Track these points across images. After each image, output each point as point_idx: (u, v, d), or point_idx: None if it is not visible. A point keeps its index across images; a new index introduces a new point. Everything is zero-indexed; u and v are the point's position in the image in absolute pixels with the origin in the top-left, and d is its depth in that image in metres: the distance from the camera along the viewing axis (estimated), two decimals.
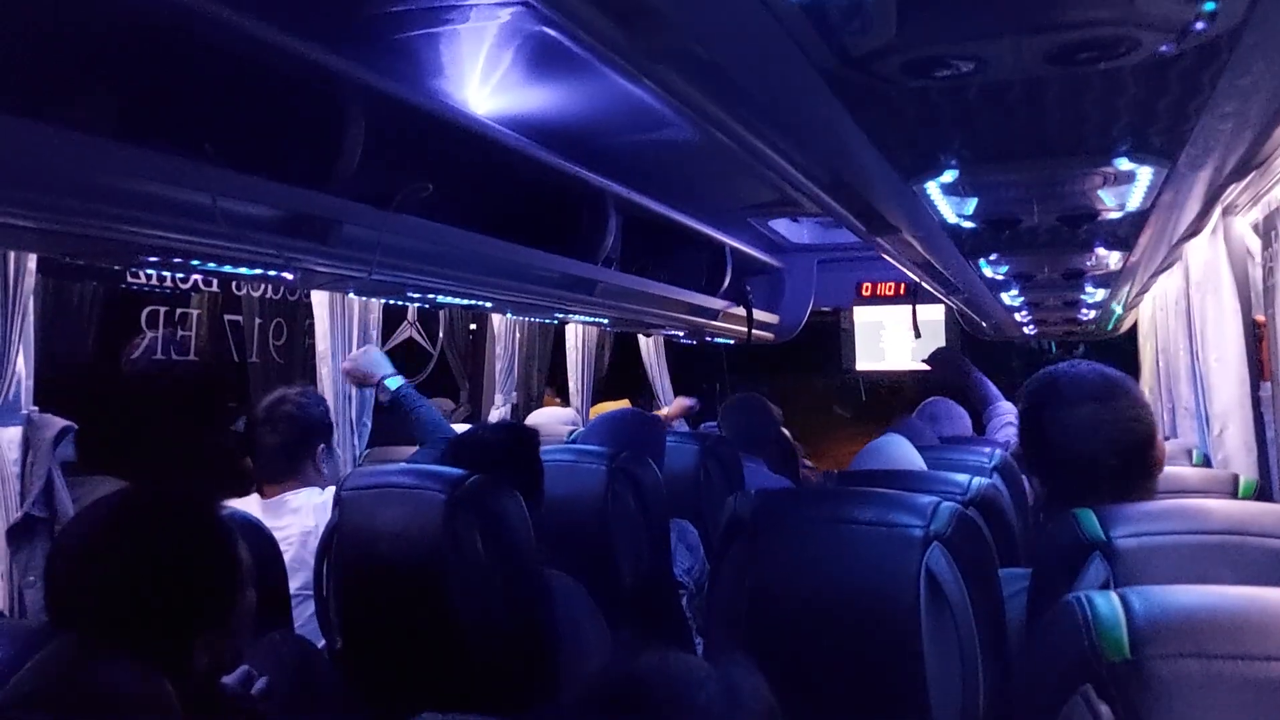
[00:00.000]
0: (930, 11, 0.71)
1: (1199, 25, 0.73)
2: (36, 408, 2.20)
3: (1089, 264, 2.21)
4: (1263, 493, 2.47)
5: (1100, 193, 1.38)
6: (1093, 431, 1.51)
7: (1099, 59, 0.79)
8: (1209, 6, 0.70)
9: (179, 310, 3.31)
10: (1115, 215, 1.57)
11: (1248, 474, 2.54)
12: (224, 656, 1.44)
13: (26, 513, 2.15)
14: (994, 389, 4.69)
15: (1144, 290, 3.64)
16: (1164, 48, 0.77)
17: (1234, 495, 2.16)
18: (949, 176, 1.23)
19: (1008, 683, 1.57)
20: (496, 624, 1.99)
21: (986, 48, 0.77)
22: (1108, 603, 0.86)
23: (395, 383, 2.89)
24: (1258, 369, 2.77)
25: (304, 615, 2.23)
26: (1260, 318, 2.72)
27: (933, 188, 1.30)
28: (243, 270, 2.13)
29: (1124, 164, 1.20)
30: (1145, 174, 1.27)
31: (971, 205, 1.44)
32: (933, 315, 5.75)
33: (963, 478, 2.41)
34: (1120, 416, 1.51)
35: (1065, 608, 0.90)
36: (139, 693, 1.20)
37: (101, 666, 1.21)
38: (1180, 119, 1.01)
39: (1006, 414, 4.50)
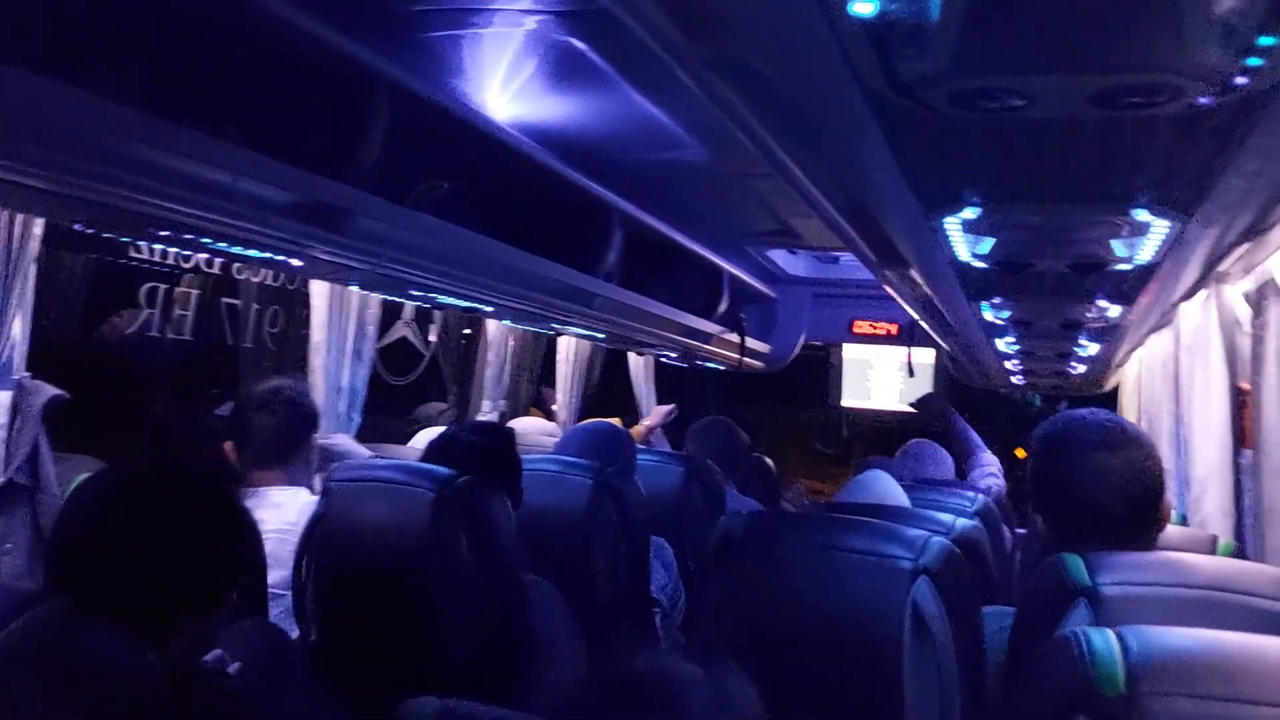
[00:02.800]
0: (986, 41, 0.73)
1: (1240, 79, 0.76)
2: (29, 373, 2.18)
3: (1088, 315, 2.24)
4: (1239, 556, 2.50)
5: (1113, 242, 1.41)
6: (1102, 478, 1.53)
7: (1141, 105, 0.82)
8: (1253, 61, 0.72)
9: (176, 289, 3.30)
10: (1122, 268, 1.60)
11: (1224, 538, 2.57)
12: (206, 634, 1.44)
13: (9, 478, 2.12)
14: (977, 438, 4.73)
15: (1134, 349, 3.69)
16: (1203, 99, 0.80)
17: (1213, 555, 2.18)
18: (970, 213, 1.26)
19: (986, 718, 1.59)
20: (473, 624, 1.99)
21: (1034, 83, 0.79)
22: (1104, 640, 0.88)
23: None
24: (1240, 436, 2.81)
25: (274, 612, 2.21)
26: (1245, 385, 2.76)
27: (952, 223, 1.32)
28: (252, 253, 2.12)
29: (1141, 215, 1.23)
30: (1160, 227, 1.30)
31: (986, 245, 1.47)
32: (923, 359, 5.80)
33: (947, 518, 2.44)
34: (1131, 466, 1.54)
35: (1062, 642, 0.91)
36: (126, 661, 1.20)
37: (89, 631, 1.20)
38: (1204, 173, 1.04)
39: (989, 464, 4.55)
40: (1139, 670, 0.85)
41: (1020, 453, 8.56)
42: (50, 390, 2.22)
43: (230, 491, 1.46)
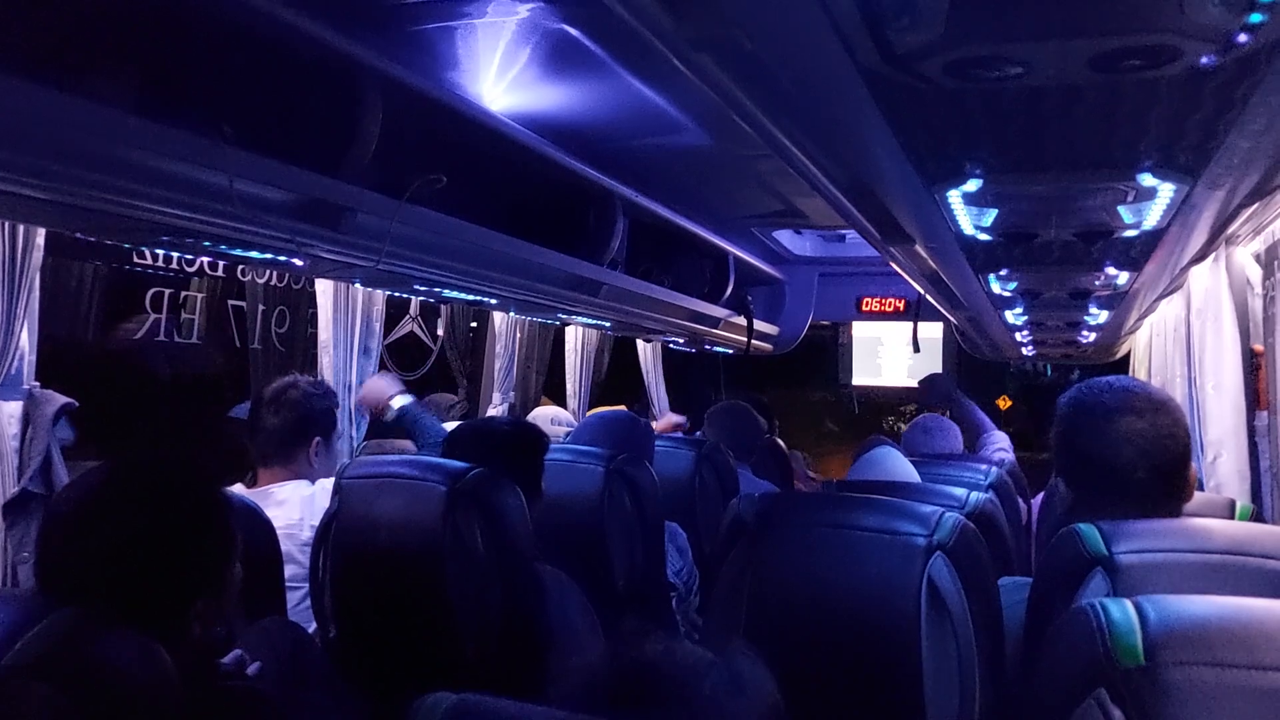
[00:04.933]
0: (980, 10, 0.71)
1: (1241, 37, 0.74)
2: (38, 384, 2.19)
3: (1097, 284, 2.22)
4: (1256, 519, 2.49)
5: (1120, 209, 1.39)
6: (1127, 443, 1.51)
7: (1141, 68, 0.80)
8: (1255, 18, 0.70)
9: (183, 294, 3.31)
10: (1129, 234, 1.58)
11: (1241, 501, 2.56)
12: (216, 626, 1.43)
13: (23, 488, 2.13)
14: (985, 418, 4.74)
15: (1144, 315, 3.66)
16: (1204, 59, 0.78)
17: (1231, 519, 2.17)
18: (972, 185, 1.24)
19: (1005, 692, 1.58)
20: (490, 616, 1.99)
21: (1031, 50, 0.78)
22: (1122, 610, 0.87)
23: (401, 402, 3.09)
24: (1254, 398, 2.80)
25: (288, 607, 2.22)
26: (1258, 347, 2.74)
27: (954, 196, 1.31)
28: (253, 254, 2.12)
29: (1147, 179, 1.21)
30: (1166, 191, 1.28)
31: (990, 217, 1.45)
32: (931, 333, 5.78)
33: (960, 492, 2.43)
34: (1158, 433, 1.51)
35: (1079, 614, 0.90)
36: (139, 664, 1.20)
37: (102, 637, 1.20)
38: (1208, 135, 1.02)
39: (998, 441, 4.54)
40: (1158, 640, 0.83)
41: (1003, 402, 8.55)
42: (60, 399, 2.22)
43: (202, 475, 1.45)
